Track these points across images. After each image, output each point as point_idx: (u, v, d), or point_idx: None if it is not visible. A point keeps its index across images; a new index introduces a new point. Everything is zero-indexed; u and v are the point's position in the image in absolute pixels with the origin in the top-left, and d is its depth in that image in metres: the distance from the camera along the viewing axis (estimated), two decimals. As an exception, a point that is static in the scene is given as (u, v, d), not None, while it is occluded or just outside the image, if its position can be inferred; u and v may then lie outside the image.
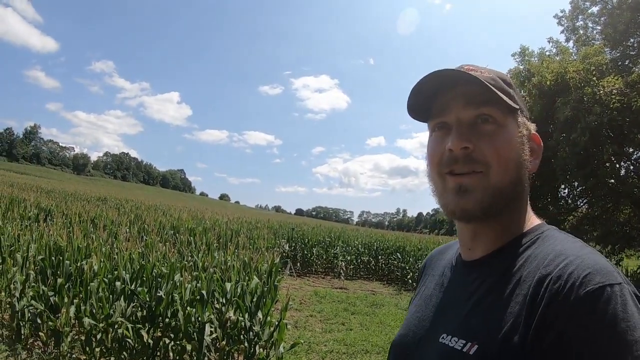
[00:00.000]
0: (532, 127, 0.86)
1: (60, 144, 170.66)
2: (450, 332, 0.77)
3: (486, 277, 0.79)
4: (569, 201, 12.96)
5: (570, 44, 13.56)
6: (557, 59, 12.01)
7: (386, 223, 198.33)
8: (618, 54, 12.20)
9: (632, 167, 12.07)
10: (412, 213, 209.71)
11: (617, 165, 11.75)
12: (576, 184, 12.00)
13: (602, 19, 12.61)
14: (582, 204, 13.16)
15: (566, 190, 12.86)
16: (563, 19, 13.77)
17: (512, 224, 0.82)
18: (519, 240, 0.79)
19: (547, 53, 12.68)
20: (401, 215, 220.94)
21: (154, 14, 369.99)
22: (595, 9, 13.00)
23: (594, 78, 10.19)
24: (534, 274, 0.70)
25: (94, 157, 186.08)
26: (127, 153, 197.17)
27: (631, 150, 11.71)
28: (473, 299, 0.78)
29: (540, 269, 0.70)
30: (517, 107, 0.82)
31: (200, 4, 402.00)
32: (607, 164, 10.75)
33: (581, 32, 13.65)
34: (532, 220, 0.85)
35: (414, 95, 0.85)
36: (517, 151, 0.79)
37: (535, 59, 12.63)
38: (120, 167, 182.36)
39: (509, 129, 0.80)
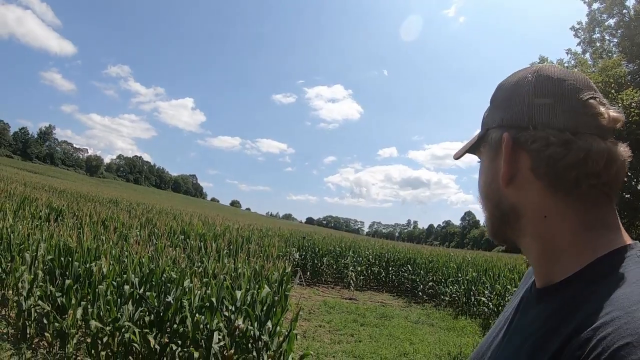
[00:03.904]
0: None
1: (74, 146, 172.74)
2: None
3: (537, 319, 0.64)
4: (584, 216, 12.73)
5: (587, 56, 13.40)
6: (576, 70, 11.87)
7: (397, 234, 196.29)
8: (636, 67, 12.00)
9: (649, 183, 11.84)
10: (422, 225, 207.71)
11: (635, 180, 11.52)
12: (592, 198, 11.79)
13: (619, 31, 12.44)
14: (597, 219, 12.93)
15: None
16: (580, 30, 13.61)
17: (548, 245, 0.65)
18: (587, 271, 0.61)
19: (566, 65, 12.51)
20: (412, 227, 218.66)
21: (170, 20, 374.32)
22: (612, 21, 12.83)
23: (613, 91, 10.02)
24: (571, 326, 0.55)
25: (107, 159, 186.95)
26: (140, 157, 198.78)
27: (649, 165, 11.50)
28: (519, 346, 0.65)
29: (578, 320, 0.54)
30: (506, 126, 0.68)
31: (215, 11, 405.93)
32: (625, 179, 10.56)
33: (598, 44, 13.49)
34: (613, 239, 0.63)
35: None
36: (490, 178, 0.73)
37: (553, 70, 12.49)
38: (132, 170, 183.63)
39: (488, 157, 0.75)
